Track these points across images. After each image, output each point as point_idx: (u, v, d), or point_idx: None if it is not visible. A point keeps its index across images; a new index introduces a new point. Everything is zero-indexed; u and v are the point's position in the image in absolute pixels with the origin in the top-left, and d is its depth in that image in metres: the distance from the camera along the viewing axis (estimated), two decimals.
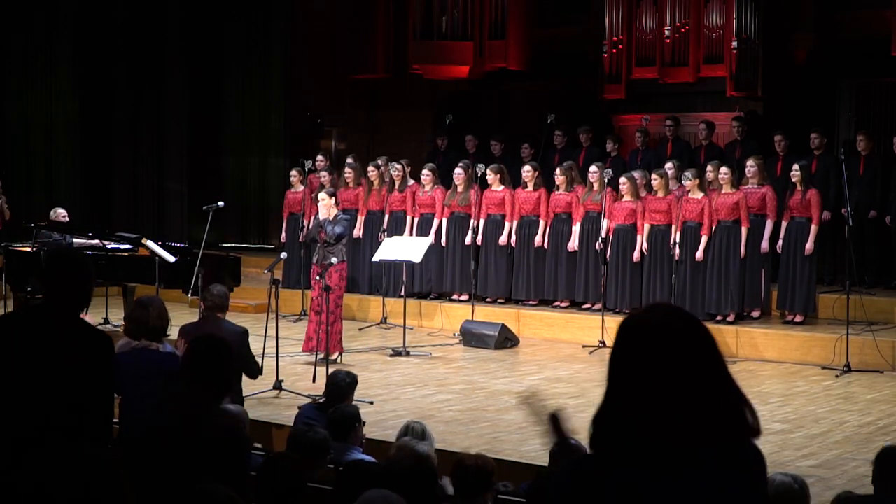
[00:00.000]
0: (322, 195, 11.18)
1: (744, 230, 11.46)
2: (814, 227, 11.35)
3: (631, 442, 2.26)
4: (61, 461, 2.32)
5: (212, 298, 7.82)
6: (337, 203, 11.25)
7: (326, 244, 10.87)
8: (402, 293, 12.36)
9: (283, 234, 14.02)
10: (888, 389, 9.93)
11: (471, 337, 11.91)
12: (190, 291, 10.65)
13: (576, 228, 12.38)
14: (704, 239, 11.53)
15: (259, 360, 8.24)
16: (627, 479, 2.26)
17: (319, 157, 14.23)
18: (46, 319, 4.03)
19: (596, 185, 12.21)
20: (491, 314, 12.53)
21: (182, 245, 11.72)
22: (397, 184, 13.31)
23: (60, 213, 12.47)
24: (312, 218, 12.57)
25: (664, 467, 2.25)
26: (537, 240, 12.56)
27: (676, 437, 2.24)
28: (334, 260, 10.86)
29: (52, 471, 2.30)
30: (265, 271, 12.01)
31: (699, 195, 11.61)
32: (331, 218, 10.84)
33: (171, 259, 10.86)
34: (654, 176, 11.94)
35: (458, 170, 12.97)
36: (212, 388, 4.35)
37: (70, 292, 4.05)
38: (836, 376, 10.39)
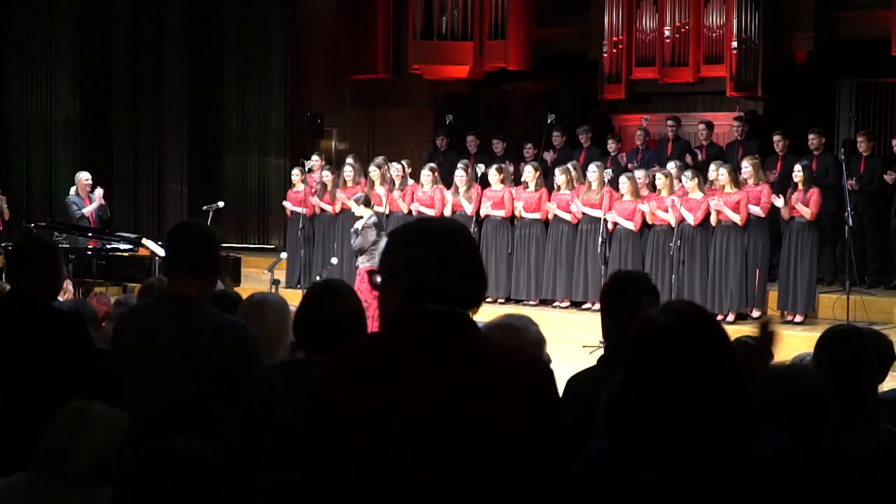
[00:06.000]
0: (350, 204, 11.47)
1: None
2: (806, 211, 11.25)
3: (647, 437, 2.27)
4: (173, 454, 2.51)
5: None
6: (369, 205, 11.42)
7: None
8: None
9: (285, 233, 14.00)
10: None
11: None
12: None
13: (574, 211, 12.38)
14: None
15: None
16: (644, 472, 2.27)
17: (315, 158, 14.22)
18: (12, 307, 3.91)
19: (595, 185, 12.21)
20: (491, 314, 12.46)
21: None
22: (397, 183, 13.31)
23: None
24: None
25: (679, 462, 2.26)
26: (538, 240, 12.55)
27: (691, 434, 2.25)
28: (359, 262, 11.15)
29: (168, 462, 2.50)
30: (265, 271, 12.02)
31: (699, 195, 11.60)
32: (359, 226, 11.10)
33: None
34: (658, 175, 11.92)
35: (458, 170, 12.96)
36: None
37: (35, 278, 3.93)
38: None
